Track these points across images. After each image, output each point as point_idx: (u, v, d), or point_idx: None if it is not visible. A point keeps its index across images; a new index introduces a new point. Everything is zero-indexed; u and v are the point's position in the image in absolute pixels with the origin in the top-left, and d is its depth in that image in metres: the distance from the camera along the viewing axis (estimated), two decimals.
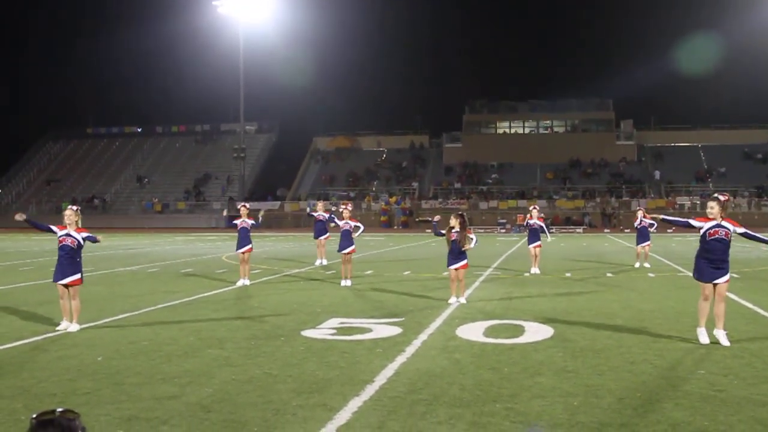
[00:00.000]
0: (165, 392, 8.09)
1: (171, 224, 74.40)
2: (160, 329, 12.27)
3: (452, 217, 15.57)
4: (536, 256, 22.63)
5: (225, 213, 32.27)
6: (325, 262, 25.01)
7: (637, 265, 24.23)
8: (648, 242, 24.45)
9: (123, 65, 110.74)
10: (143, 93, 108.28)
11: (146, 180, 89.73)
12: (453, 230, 15.35)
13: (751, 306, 14.65)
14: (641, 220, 24.36)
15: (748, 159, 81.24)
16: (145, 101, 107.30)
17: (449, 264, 15.51)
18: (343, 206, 21.51)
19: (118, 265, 26.17)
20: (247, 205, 20.62)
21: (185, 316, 13.69)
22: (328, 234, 25.44)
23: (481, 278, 20.55)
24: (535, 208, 23.26)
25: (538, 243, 22.62)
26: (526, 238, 23.36)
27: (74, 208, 12.96)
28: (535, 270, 22.19)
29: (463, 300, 15.38)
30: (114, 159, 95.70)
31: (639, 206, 26.57)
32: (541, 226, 23.03)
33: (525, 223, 23.39)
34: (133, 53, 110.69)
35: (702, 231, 10.98)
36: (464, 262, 15.37)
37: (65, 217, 12.51)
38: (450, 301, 15.31)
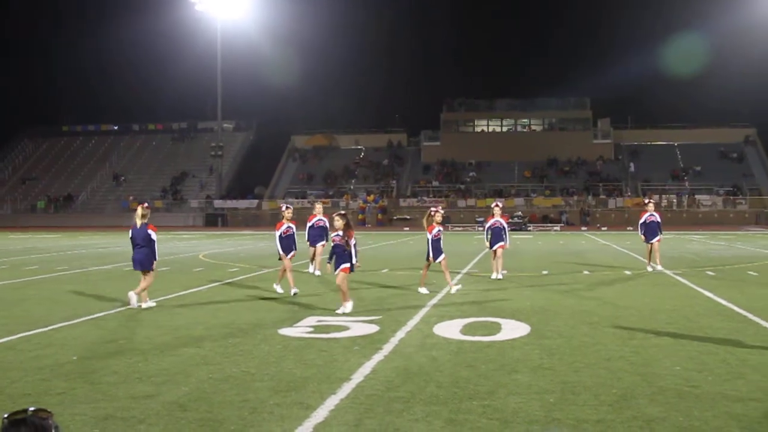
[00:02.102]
0: (141, 391, 8.05)
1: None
2: (136, 328, 12.21)
3: (336, 216, 14.36)
4: (500, 259, 20.30)
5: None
6: (318, 273, 21.36)
7: (649, 268, 22.06)
8: (658, 237, 22.17)
9: (100, 63, 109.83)
10: (120, 91, 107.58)
11: (123, 178, 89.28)
12: (335, 234, 14.15)
13: (726, 303, 14.75)
14: (651, 214, 22.27)
15: (724, 158, 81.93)
16: (122, 99, 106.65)
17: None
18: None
19: (93, 263, 26.03)
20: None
21: (161, 315, 13.62)
22: (324, 241, 21.37)
23: (459, 276, 20.58)
24: (497, 205, 20.85)
25: (501, 243, 20.15)
26: (486, 238, 20.53)
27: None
28: (497, 275, 20.01)
29: (342, 310, 13.75)
30: (90, 157, 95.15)
31: (650, 200, 24.53)
32: (504, 227, 20.36)
33: (486, 225, 20.73)
34: (110, 51, 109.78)
35: None
36: (346, 265, 13.92)
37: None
38: (339, 311, 13.78)
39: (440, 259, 16.72)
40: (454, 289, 16.62)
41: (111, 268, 23.95)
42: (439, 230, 16.85)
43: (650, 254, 22.43)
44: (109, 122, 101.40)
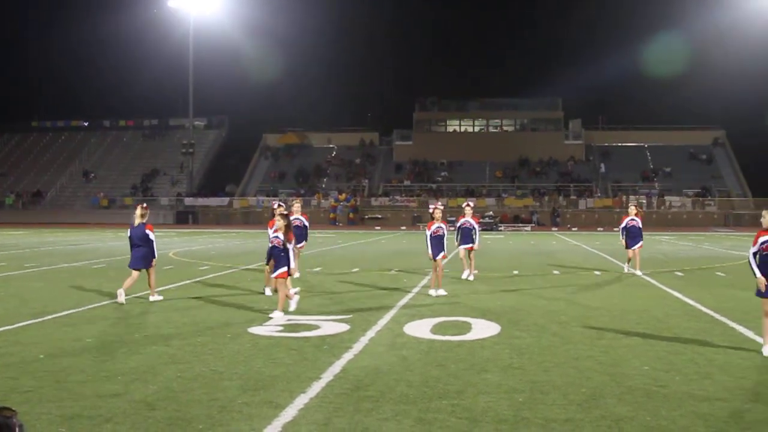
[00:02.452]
0: (108, 390, 7.99)
1: (117, 220, 73.32)
2: (104, 326, 12.12)
3: (277, 216, 13.67)
4: (471, 260, 19.98)
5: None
6: (297, 274, 19.32)
7: (626, 269, 21.75)
8: (640, 244, 21.32)
9: (70, 58, 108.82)
10: (90, 86, 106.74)
11: (92, 175, 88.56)
12: (274, 235, 13.42)
13: (694, 303, 14.89)
14: (633, 219, 21.39)
15: (693, 159, 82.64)
16: (93, 95, 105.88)
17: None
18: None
19: (62, 260, 25.79)
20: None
21: (131, 313, 13.54)
22: (303, 243, 19.92)
23: (429, 275, 20.59)
24: (468, 204, 20.55)
25: (470, 245, 19.77)
26: (456, 238, 20.07)
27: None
28: (467, 275, 19.72)
29: (275, 315, 12.95)
30: (60, 153, 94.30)
31: (632, 203, 23.42)
32: (474, 228, 19.87)
33: (457, 225, 20.22)
34: (81, 46, 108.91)
35: (756, 247, 10.20)
36: (284, 270, 13.19)
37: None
38: (272, 315, 13.01)
39: (439, 257, 16.23)
40: (432, 292, 16.24)
41: (81, 266, 23.74)
42: (440, 227, 16.35)
43: (630, 259, 21.65)
44: (79, 118, 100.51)
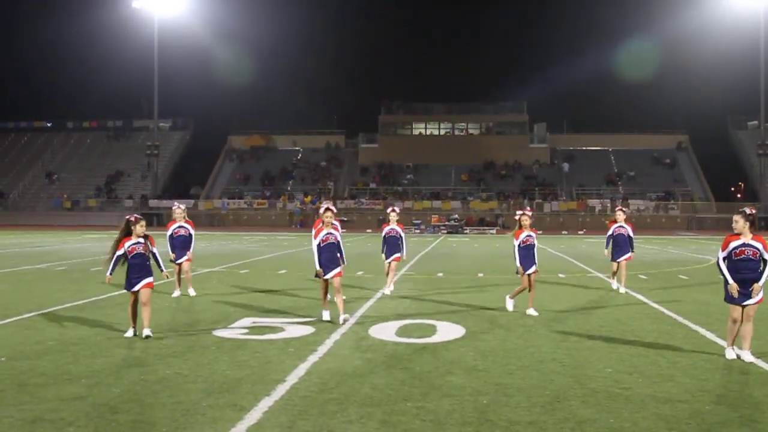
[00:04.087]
0: (71, 393, 7.91)
1: (81, 222, 72.83)
2: (67, 329, 11.99)
3: (132, 218, 11.74)
4: (392, 271, 17.41)
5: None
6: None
7: (614, 285, 18.34)
8: (628, 255, 17.90)
9: (33, 58, 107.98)
10: (54, 87, 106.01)
11: (55, 176, 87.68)
12: (135, 242, 11.60)
13: (657, 306, 15.02)
14: (621, 226, 18.09)
15: (657, 164, 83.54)
16: (56, 95, 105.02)
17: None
18: None
19: (24, 263, 25.50)
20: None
21: (94, 316, 13.41)
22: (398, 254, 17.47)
23: (395, 278, 20.61)
24: (393, 210, 17.75)
25: (397, 255, 17.20)
26: (382, 249, 17.35)
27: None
28: (388, 289, 17.26)
29: (129, 334, 11.30)
30: (22, 154, 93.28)
31: (618, 206, 19.88)
32: (401, 236, 17.30)
33: (382, 233, 17.48)
34: (44, 46, 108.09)
35: (726, 252, 9.94)
36: (150, 279, 11.49)
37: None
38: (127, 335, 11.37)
39: (530, 270, 14.02)
40: (532, 311, 13.94)
41: (44, 268, 23.49)
42: (529, 235, 14.17)
43: (615, 273, 18.28)
44: (42, 119, 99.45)
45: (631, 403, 7.69)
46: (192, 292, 16.58)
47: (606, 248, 18.36)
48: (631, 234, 18.09)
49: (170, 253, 16.51)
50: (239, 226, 72.01)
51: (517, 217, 14.38)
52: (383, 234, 17.36)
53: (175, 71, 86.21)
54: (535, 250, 14.24)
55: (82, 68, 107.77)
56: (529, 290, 14.09)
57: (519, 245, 14.08)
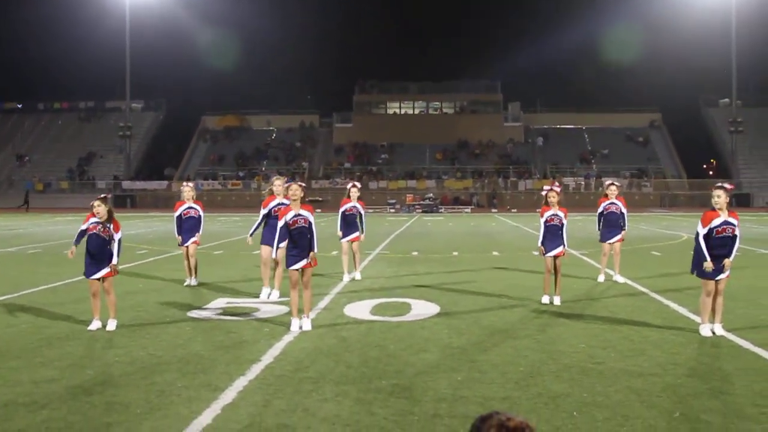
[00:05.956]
0: (44, 376, 7.88)
1: (53, 204, 72.20)
2: (40, 311, 11.92)
3: (96, 202, 11.33)
4: (357, 253, 16.32)
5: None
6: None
7: (601, 278, 15.69)
8: (620, 236, 15.72)
9: (1, 37, 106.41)
10: (24, 68, 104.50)
11: (27, 158, 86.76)
12: (96, 222, 11.19)
13: (629, 282, 15.15)
14: (612, 202, 15.80)
15: (630, 141, 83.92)
16: (26, 76, 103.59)
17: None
18: None
19: None
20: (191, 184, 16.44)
21: (67, 298, 13.33)
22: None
23: (370, 257, 20.65)
24: (354, 185, 16.52)
25: (356, 234, 16.10)
26: (339, 228, 16.13)
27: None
28: (355, 275, 16.10)
29: (94, 327, 10.45)
30: None
31: (611, 181, 16.82)
32: (361, 213, 16.18)
33: (341, 210, 16.19)
34: (14, 24, 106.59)
35: (707, 229, 9.91)
36: (109, 269, 10.92)
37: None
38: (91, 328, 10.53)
39: (553, 252, 12.71)
40: (545, 299, 12.82)
41: (16, 251, 23.31)
42: (555, 214, 12.85)
43: (606, 258, 15.87)
44: (12, 100, 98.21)
45: (603, 377, 7.76)
46: (193, 281, 15.46)
47: (597, 228, 16.16)
48: (624, 210, 15.79)
49: (176, 235, 15.50)
50: (214, 207, 71.70)
51: (543, 193, 13.11)
52: (341, 210, 16.07)
53: (148, 51, 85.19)
54: (564, 231, 12.81)
55: (53, 48, 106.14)
56: (555, 275, 12.75)
57: (544, 223, 12.85)
